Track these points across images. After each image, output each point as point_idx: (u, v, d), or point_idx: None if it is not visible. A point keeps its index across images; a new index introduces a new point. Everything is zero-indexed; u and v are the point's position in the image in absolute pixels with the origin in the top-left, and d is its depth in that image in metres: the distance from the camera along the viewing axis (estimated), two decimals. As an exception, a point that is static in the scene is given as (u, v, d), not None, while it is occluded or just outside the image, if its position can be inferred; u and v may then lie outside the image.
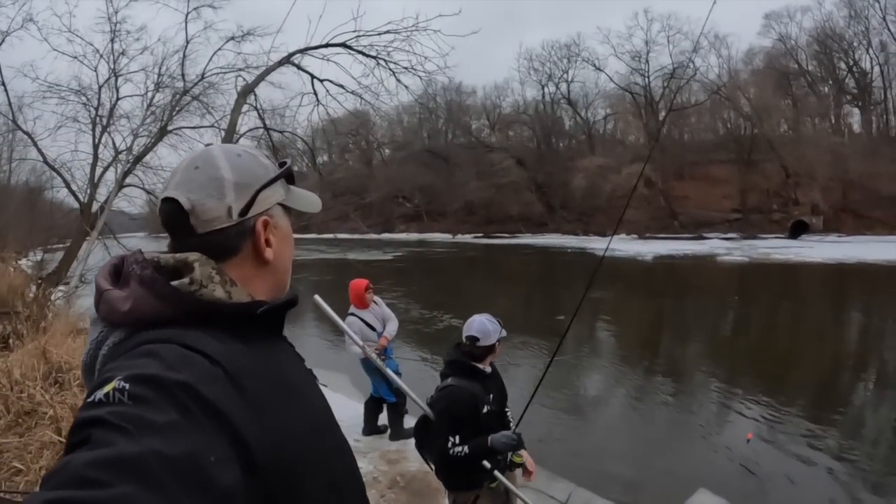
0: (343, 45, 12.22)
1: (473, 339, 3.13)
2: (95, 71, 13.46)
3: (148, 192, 14.26)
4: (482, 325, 3.14)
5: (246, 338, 0.87)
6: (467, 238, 61.78)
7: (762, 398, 8.45)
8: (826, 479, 6.06)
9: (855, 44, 52.31)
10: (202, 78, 13.49)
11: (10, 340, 5.46)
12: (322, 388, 1.08)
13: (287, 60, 12.88)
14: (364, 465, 5.71)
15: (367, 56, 12.32)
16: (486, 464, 2.98)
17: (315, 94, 13.06)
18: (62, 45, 13.17)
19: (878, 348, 12.29)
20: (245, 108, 13.34)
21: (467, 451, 2.90)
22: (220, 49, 13.40)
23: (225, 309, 0.87)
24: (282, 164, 1.04)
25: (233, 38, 13.32)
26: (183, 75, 13.52)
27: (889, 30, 48.70)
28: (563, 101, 67.66)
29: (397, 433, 6.37)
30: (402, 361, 7.08)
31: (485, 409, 3.06)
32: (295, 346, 1.05)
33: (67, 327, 5.95)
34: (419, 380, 7.21)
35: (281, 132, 14.87)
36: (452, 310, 16.18)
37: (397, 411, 6.46)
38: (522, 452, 3.12)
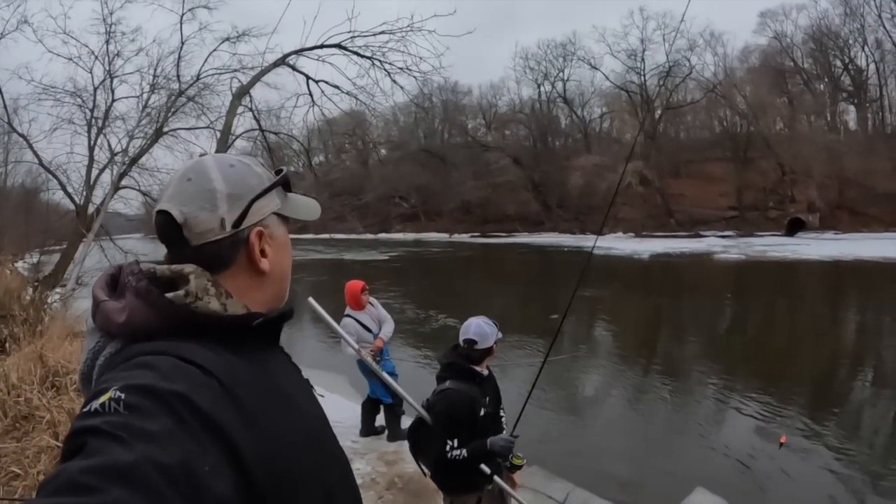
0: (338, 45, 12.23)
1: (471, 342, 3.13)
2: (91, 72, 13.50)
3: (144, 194, 14.28)
4: (480, 328, 3.15)
5: (241, 349, 0.88)
6: (464, 237, 61.76)
7: (760, 396, 8.46)
8: (825, 476, 6.06)
9: (850, 41, 52.38)
10: (197, 79, 13.52)
11: (7, 344, 5.45)
12: (319, 397, 1.09)
13: (282, 61, 12.89)
14: (362, 467, 5.72)
15: (363, 57, 12.34)
16: (486, 469, 2.99)
17: (310, 94, 13.09)
18: (57, 47, 13.22)
19: (875, 345, 12.31)
20: (240, 109, 13.37)
21: (466, 454, 2.91)
22: (215, 50, 13.46)
23: (220, 322, 0.88)
24: (278, 172, 1.03)
25: (228, 39, 13.35)
26: (178, 76, 13.54)
27: (884, 27, 48.82)
28: (559, 100, 67.69)
29: (395, 434, 6.38)
30: (397, 362, 7.07)
31: (481, 412, 3.07)
32: (292, 348, 1.05)
33: (64, 331, 5.94)
34: (415, 380, 7.22)
35: (276, 133, 14.87)
36: (448, 310, 16.17)
37: (394, 412, 6.47)
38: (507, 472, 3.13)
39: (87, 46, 13.23)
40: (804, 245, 36.00)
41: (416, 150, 72.89)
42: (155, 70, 13.58)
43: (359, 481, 1.26)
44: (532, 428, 6.79)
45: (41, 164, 14.43)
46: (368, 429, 6.71)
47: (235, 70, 13.49)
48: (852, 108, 55.46)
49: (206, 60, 13.43)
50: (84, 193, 13.94)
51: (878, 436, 7.41)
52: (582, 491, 5.49)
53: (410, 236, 65.45)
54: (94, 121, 13.76)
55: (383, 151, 76.98)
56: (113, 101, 13.84)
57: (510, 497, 3.16)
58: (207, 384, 0.76)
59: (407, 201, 72.26)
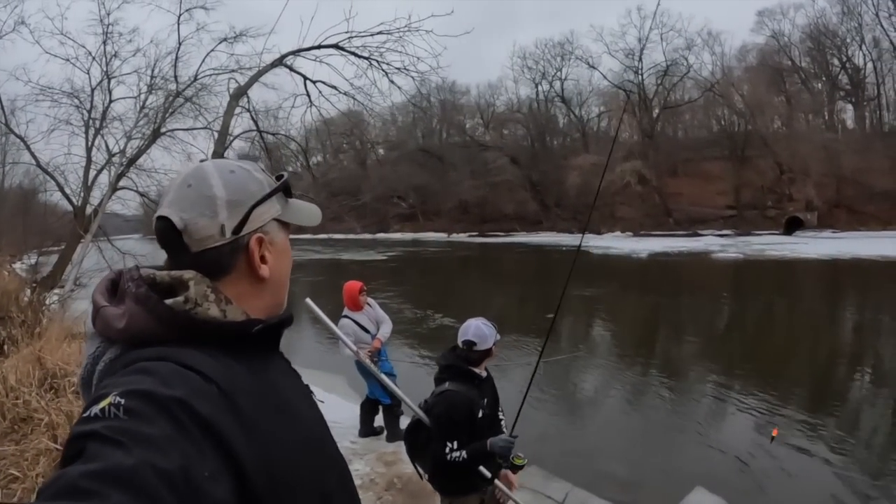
0: (335, 46, 12.22)
1: (470, 344, 3.13)
2: (88, 73, 13.50)
3: (141, 195, 14.26)
4: (479, 330, 3.14)
5: (241, 355, 0.88)
6: (462, 237, 61.79)
7: (758, 394, 8.46)
8: (823, 474, 6.07)
9: (848, 40, 52.48)
10: (195, 80, 13.50)
11: (5, 346, 5.44)
12: (319, 403, 1.09)
13: (280, 62, 12.88)
14: (361, 467, 5.71)
15: (360, 57, 12.34)
16: (487, 473, 2.99)
17: (308, 95, 13.09)
18: (54, 48, 13.24)
19: (873, 344, 12.33)
20: (238, 110, 13.35)
21: (465, 456, 2.91)
22: (212, 50, 13.43)
23: (219, 328, 0.88)
24: (279, 178, 1.03)
25: (225, 40, 13.33)
26: (176, 77, 13.52)
27: (882, 26, 48.92)
28: (556, 100, 67.75)
29: (393, 434, 6.37)
30: (395, 363, 7.06)
31: (480, 414, 3.07)
32: (290, 348, 1.05)
33: (62, 332, 5.91)
34: (413, 381, 7.22)
35: (274, 134, 14.86)
36: (445, 309, 16.20)
37: (392, 413, 6.47)
38: (503, 472, 3.13)
39: (84, 47, 13.25)
40: (802, 244, 36.05)
41: (414, 149, 72.89)
42: (152, 71, 13.60)
43: (357, 482, 1.26)
44: (531, 428, 6.79)
45: (39, 165, 14.44)
46: (367, 429, 6.70)
47: (233, 70, 13.50)
48: (850, 106, 55.53)
49: (203, 61, 13.44)
50: (82, 194, 13.93)
51: (876, 433, 7.41)
52: (581, 491, 5.49)
53: (408, 236, 65.48)
54: (91, 122, 13.76)
55: (381, 151, 76.92)
56: (110, 101, 13.85)
57: (509, 499, 3.16)
58: (207, 390, 0.77)
59: (405, 201, 72.28)
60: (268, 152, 16.16)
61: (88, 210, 13.73)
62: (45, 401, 3.86)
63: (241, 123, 14.25)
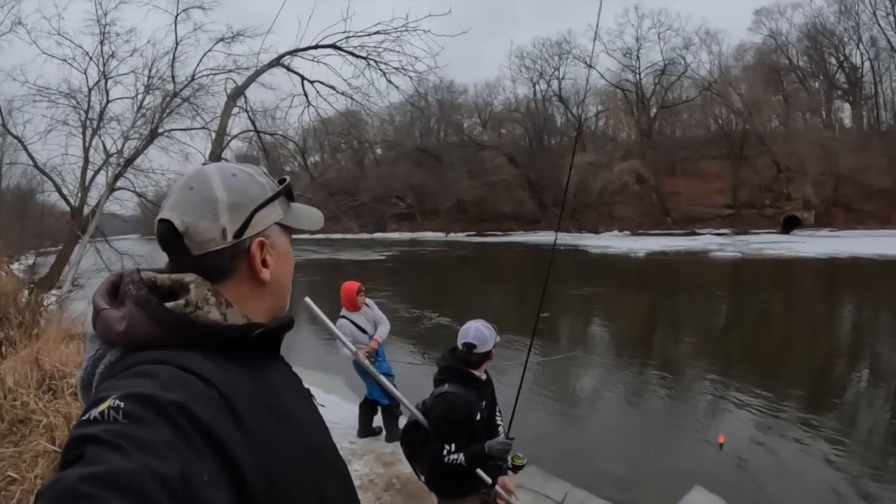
0: (333, 46, 12.20)
1: (470, 346, 3.11)
2: (85, 74, 13.44)
3: (139, 195, 14.22)
4: (479, 332, 3.13)
5: (241, 360, 0.88)
6: (460, 236, 61.85)
7: (757, 393, 8.48)
8: (822, 472, 6.08)
9: (845, 39, 52.57)
10: (192, 80, 13.44)
11: (3, 347, 5.43)
12: (320, 407, 1.09)
13: (277, 62, 12.86)
14: (360, 468, 5.71)
15: (358, 57, 12.32)
16: (487, 478, 2.98)
17: (305, 95, 13.06)
18: (51, 48, 13.12)
19: (871, 342, 12.35)
20: (235, 110, 13.32)
21: (463, 459, 2.90)
22: (209, 50, 13.36)
23: (220, 331, 0.88)
24: (281, 182, 1.03)
25: (222, 40, 13.27)
26: (173, 77, 13.46)
27: (879, 25, 48.98)
28: (554, 99, 67.73)
29: (392, 434, 6.36)
30: (393, 363, 7.05)
31: (478, 417, 3.06)
32: (289, 349, 1.05)
33: (60, 333, 5.90)
34: (411, 381, 7.23)
35: (272, 134, 14.83)
36: (441, 309, 16.23)
37: (391, 413, 6.46)
38: (502, 479, 3.12)
39: (81, 47, 13.17)
40: (800, 242, 36.13)
41: (412, 149, 72.94)
42: (149, 71, 13.53)
43: (356, 482, 1.26)
44: (529, 428, 6.81)
45: (36, 165, 14.40)
46: (366, 430, 6.70)
47: (230, 70, 13.43)
48: (847, 105, 55.57)
49: (200, 61, 13.37)
50: (79, 195, 13.88)
51: (874, 431, 7.43)
52: (580, 490, 5.50)
53: (406, 236, 65.57)
54: (88, 122, 13.70)
55: (379, 151, 76.90)
56: (107, 102, 13.78)
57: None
58: (207, 394, 0.77)
59: (403, 201, 72.27)
60: (265, 152, 16.11)
61: (86, 210, 13.69)
62: (43, 402, 3.85)
63: (238, 123, 14.20)
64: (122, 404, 0.68)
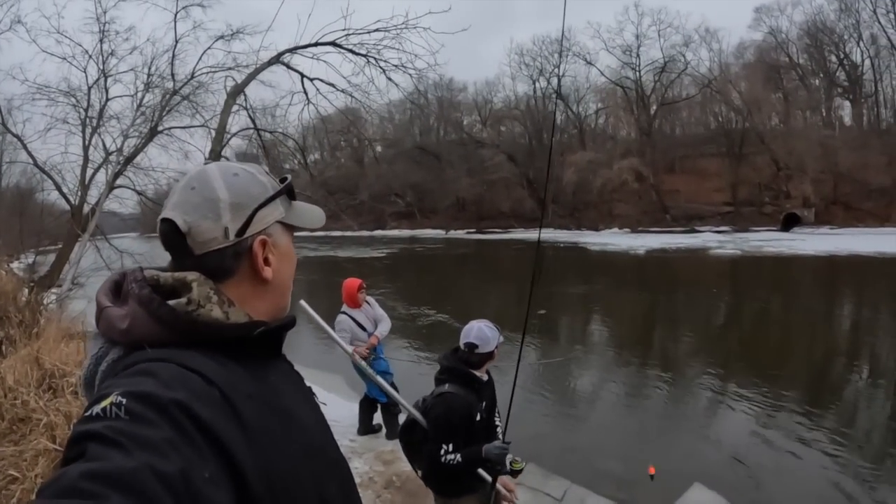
0: (333, 43, 12.17)
1: (472, 347, 3.11)
2: (84, 72, 13.42)
3: (139, 193, 14.22)
4: (481, 332, 3.13)
5: (243, 358, 0.89)
6: (460, 234, 61.81)
7: (756, 390, 8.49)
8: (821, 469, 6.10)
9: (846, 37, 52.37)
10: (192, 77, 13.42)
11: (3, 346, 5.43)
12: (321, 406, 1.09)
13: (277, 60, 12.83)
14: (360, 466, 5.72)
15: (357, 54, 12.28)
16: (487, 476, 2.98)
17: (305, 92, 13.03)
18: (51, 47, 13.11)
19: (870, 340, 12.35)
20: (235, 108, 13.29)
21: (460, 460, 2.90)
22: (209, 48, 13.34)
23: (222, 330, 0.88)
24: (283, 180, 1.03)
25: (222, 38, 13.24)
26: (172, 75, 13.44)
27: (879, 23, 48.81)
28: (554, 96, 67.61)
29: (392, 432, 6.36)
30: (391, 361, 7.03)
31: (477, 418, 3.06)
32: (288, 347, 1.05)
33: (60, 332, 5.91)
34: (409, 378, 7.24)
35: (271, 132, 14.81)
36: (439, 306, 16.21)
37: (390, 411, 6.47)
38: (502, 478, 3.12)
39: (80, 46, 13.14)
40: (799, 240, 36.09)
41: (412, 147, 72.79)
42: (149, 69, 13.50)
43: (357, 480, 1.26)
44: (529, 426, 6.83)
45: (36, 164, 14.38)
46: (366, 427, 6.70)
47: (230, 68, 13.40)
48: (847, 103, 55.40)
49: (200, 59, 13.34)
50: (79, 193, 13.87)
51: (873, 429, 7.44)
52: (579, 488, 5.51)
53: (406, 233, 65.49)
54: (88, 120, 13.69)
55: (378, 149, 76.78)
56: (107, 100, 13.76)
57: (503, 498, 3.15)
58: (208, 393, 0.77)
59: (402, 199, 72.20)
60: (265, 150, 16.12)
61: (86, 209, 13.67)
62: (43, 401, 3.86)
63: (238, 121, 14.16)
64: (123, 401, 0.69)
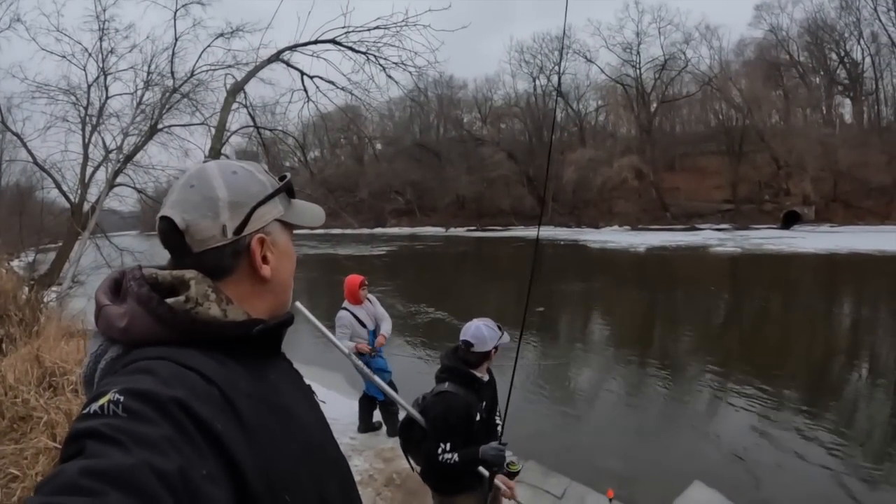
0: (332, 41, 12.16)
1: (468, 345, 3.10)
2: (84, 70, 13.39)
3: (139, 191, 14.21)
4: (477, 331, 3.11)
5: (242, 356, 0.89)
6: (460, 231, 61.78)
7: (756, 388, 8.49)
8: (821, 467, 6.10)
9: (846, 35, 52.32)
10: (191, 75, 13.40)
11: (3, 345, 5.43)
12: (321, 404, 1.09)
13: (276, 57, 12.81)
14: (360, 463, 5.72)
15: (357, 52, 12.26)
16: (486, 472, 2.98)
17: (305, 90, 13.01)
18: (50, 45, 13.06)
19: (870, 338, 12.35)
20: (235, 105, 13.27)
21: (457, 460, 2.90)
22: (209, 46, 13.30)
23: (220, 328, 0.88)
24: (282, 179, 1.03)
25: (222, 35, 13.20)
26: (172, 73, 13.41)
27: (880, 20, 48.76)
28: (554, 94, 67.53)
29: (393, 429, 6.37)
30: (390, 357, 7.02)
31: (476, 418, 3.06)
32: (287, 345, 1.05)
33: (60, 331, 5.91)
34: (407, 376, 7.24)
35: (271, 130, 14.80)
36: (438, 303, 16.18)
37: (388, 409, 6.47)
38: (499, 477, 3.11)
39: (80, 44, 13.11)
40: (799, 238, 36.04)
41: (411, 145, 72.75)
42: (149, 67, 13.47)
43: (357, 478, 1.26)
44: (529, 423, 6.83)
45: (35, 162, 14.35)
46: (366, 425, 6.70)
47: (230, 66, 13.36)
48: (847, 101, 55.38)
49: (199, 56, 13.30)
50: (79, 191, 13.84)
51: (872, 427, 7.44)
52: (579, 486, 5.51)
53: (406, 231, 65.45)
54: (88, 118, 13.66)
55: (378, 147, 76.72)
56: (107, 98, 13.73)
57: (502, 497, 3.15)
58: (207, 392, 0.77)
59: (402, 196, 72.19)
60: (265, 148, 16.11)
61: (86, 207, 13.65)
62: (43, 399, 3.86)
63: (238, 119, 14.14)
64: (122, 398, 0.69)
